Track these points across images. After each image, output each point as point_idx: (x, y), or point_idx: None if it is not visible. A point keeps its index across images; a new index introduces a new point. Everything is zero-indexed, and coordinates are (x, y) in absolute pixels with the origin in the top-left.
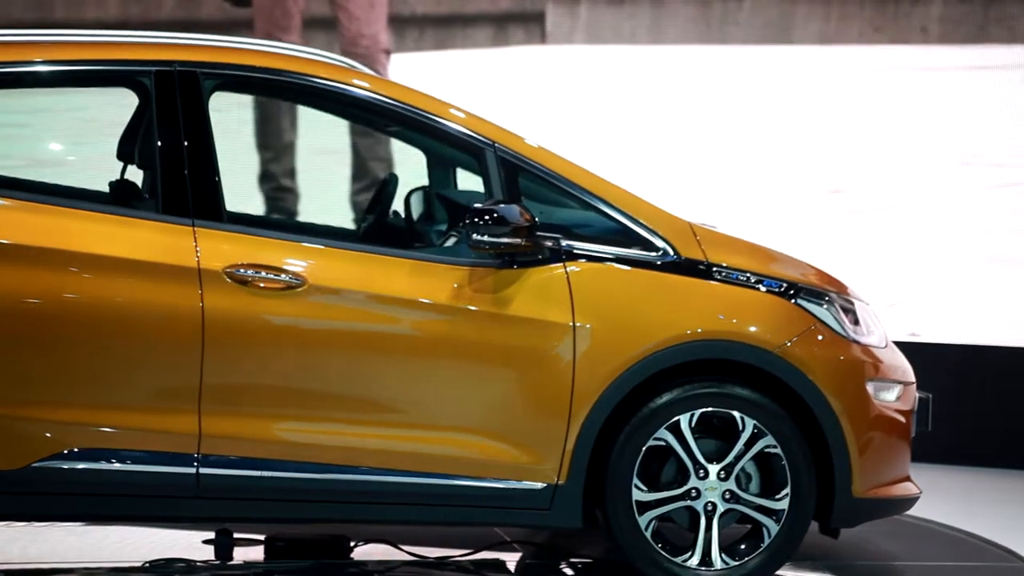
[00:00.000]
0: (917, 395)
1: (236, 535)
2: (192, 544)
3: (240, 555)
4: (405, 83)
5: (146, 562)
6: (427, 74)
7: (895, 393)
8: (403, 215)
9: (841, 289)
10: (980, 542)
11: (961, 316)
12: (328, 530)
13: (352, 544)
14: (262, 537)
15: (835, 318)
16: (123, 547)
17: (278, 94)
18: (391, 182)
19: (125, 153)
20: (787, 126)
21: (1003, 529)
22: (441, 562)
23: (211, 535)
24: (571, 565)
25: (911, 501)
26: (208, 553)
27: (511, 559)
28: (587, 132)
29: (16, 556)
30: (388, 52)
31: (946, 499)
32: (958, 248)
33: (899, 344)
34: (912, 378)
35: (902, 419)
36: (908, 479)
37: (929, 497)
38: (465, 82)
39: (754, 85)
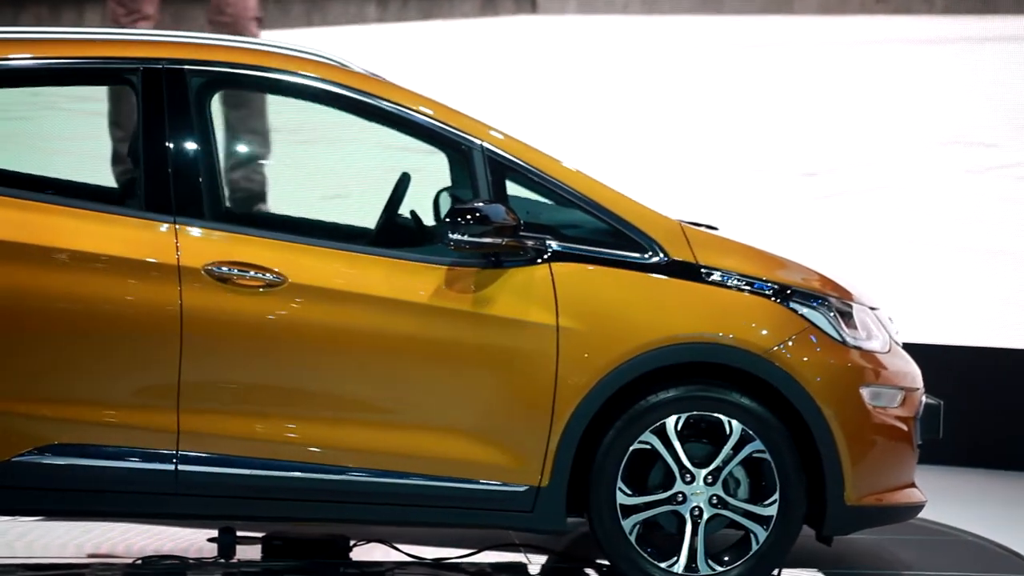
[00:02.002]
0: (924, 401)
1: (239, 533)
2: (195, 541)
3: (237, 553)
4: (399, 80)
5: (138, 559)
6: (412, 46)
7: (896, 399)
8: (404, 215)
9: (844, 294)
10: (992, 546)
11: (938, 310)
12: (327, 530)
13: (351, 544)
14: (261, 535)
15: (830, 322)
16: (123, 543)
17: (267, 92)
18: (403, 181)
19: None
20: (779, 102)
21: (1011, 532)
22: (439, 563)
23: (215, 533)
24: (584, 570)
25: (914, 508)
26: (207, 551)
27: (513, 560)
28: (577, 106)
29: (21, 551)
30: (258, 19)
31: (959, 503)
32: (932, 235)
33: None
34: (918, 384)
35: (902, 425)
36: (911, 486)
37: (944, 501)
38: (451, 55)
39: (748, 57)
